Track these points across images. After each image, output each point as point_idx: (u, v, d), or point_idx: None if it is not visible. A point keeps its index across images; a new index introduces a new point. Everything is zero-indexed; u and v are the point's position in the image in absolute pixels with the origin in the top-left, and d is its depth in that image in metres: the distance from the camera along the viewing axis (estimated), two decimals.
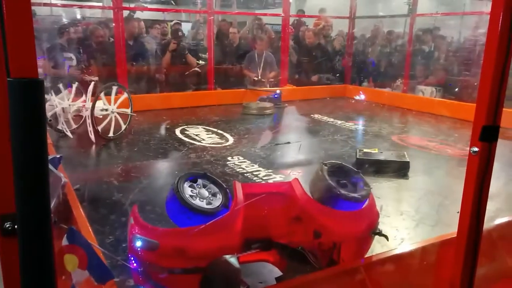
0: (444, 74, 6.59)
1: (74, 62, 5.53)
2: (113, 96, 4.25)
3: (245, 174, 3.30)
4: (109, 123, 4.23)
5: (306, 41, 7.54)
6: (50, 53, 5.45)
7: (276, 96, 6.43)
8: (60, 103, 4.13)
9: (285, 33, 7.10)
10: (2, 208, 0.94)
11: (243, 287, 1.60)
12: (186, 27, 7.91)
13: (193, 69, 6.37)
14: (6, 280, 0.95)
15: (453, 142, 4.54)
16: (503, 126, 1.31)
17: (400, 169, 3.44)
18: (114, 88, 4.25)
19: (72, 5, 6.70)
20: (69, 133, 4.18)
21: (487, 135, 1.27)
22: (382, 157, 3.54)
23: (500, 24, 1.19)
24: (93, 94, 4.23)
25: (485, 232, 1.42)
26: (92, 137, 4.07)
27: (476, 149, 1.29)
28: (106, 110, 4.18)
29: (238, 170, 3.41)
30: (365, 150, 3.69)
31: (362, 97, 6.86)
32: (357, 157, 3.52)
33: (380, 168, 3.41)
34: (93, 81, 4.98)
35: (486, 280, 1.74)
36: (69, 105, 4.19)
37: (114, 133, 4.25)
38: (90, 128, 4.03)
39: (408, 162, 3.47)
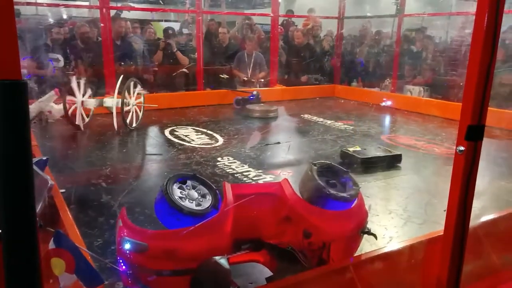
0: (432, 74, 6.67)
1: (61, 63, 5.46)
2: (132, 91, 4.62)
3: (235, 175, 3.30)
4: (129, 115, 4.63)
5: (295, 41, 7.56)
6: (36, 54, 5.36)
7: (252, 97, 6.03)
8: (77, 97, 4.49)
9: (274, 33, 7.10)
10: None
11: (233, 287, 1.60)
12: (174, 27, 7.85)
13: (181, 69, 6.32)
14: None
15: (440, 141, 4.60)
16: (488, 125, 1.33)
17: (393, 163, 3.59)
18: (133, 83, 4.67)
19: (57, 5, 6.58)
20: (81, 127, 4.51)
21: (473, 134, 1.29)
22: (379, 153, 3.63)
23: (485, 24, 1.21)
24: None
25: (471, 229, 1.45)
26: (116, 126, 4.45)
27: (462, 148, 1.31)
28: (128, 104, 4.56)
29: (228, 170, 3.40)
30: (350, 148, 3.72)
31: (389, 103, 6.33)
32: (356, 157, 3.55)
33: (374, 165, 3.49)
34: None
35: (473, 276, 1.77)
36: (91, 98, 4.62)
37: (135, 122, 4.70)
38: (116, 120, 4.43)
39: (400, 154, 3.63)
